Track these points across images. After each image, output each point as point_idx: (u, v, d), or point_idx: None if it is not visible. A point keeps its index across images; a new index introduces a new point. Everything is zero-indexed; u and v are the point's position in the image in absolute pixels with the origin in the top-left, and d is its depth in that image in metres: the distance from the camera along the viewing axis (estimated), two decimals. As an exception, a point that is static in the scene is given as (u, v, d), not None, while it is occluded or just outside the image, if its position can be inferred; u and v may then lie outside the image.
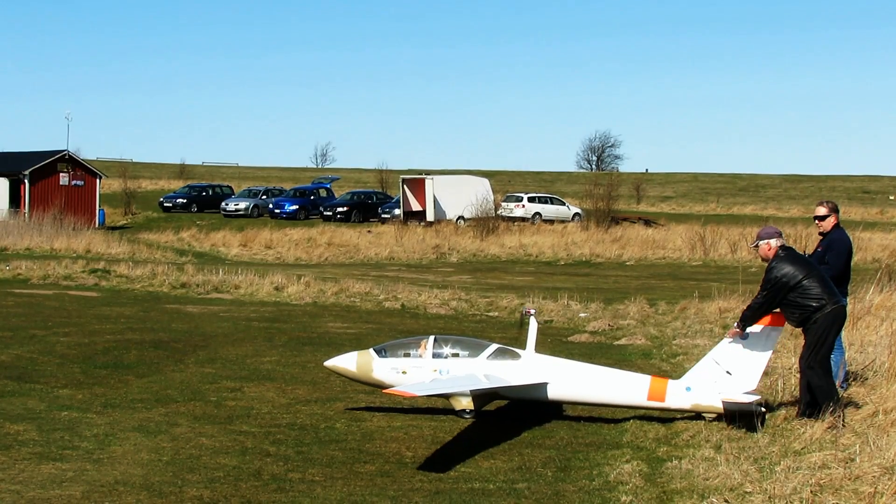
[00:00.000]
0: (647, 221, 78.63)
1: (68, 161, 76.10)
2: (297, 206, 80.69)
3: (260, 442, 14.66)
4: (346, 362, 16.50)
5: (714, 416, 15.24)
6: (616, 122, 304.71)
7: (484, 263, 55.51)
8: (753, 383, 14.99)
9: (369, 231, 69.45)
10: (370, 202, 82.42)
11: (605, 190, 77.02)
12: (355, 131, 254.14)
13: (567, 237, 65.87)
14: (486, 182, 77.73)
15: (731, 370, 15.02)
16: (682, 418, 15.76)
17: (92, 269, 39.46)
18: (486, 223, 68.09)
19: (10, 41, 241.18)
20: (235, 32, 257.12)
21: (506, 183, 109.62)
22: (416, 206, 77.14)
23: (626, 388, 15.54)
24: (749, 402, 14.80)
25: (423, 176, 79.97)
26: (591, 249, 59.98)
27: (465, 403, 15.66)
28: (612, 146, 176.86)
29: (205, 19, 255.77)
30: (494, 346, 16.22)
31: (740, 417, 14.87)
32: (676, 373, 20.74)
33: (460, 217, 74.01)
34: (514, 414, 16.68)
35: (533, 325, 16.28)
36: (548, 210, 79.69)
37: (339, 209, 79.56)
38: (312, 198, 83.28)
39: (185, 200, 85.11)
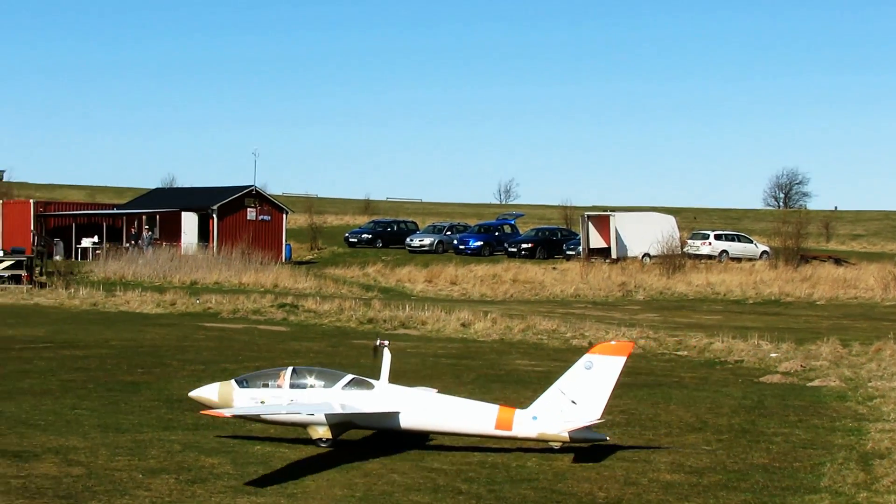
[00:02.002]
0: (838, 260, 76.84)
1: (255, 196, 77.57)
2: (482, 243, 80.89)
3: (452, 479, 14.63)
4: (209, 392, 16.67)
5: (560, 445, 15.57)
6: (804, 158, 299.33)
7: (671, 301, 54.85)
8: (598, 413, 15.30)
9: (554, 268, 69.27)
10: (554, 239, 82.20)
11: (793, 228, 75.57)
12: (538, 167, 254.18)
13: (755, 276, 64.71)
14: (671, 219, 76.91)
15: (576, 400, 15.32)
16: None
17: (280, 304, 40.07)
18: (672, 261, 67.31)
19: (199, 80, 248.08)
20: (417, 69, 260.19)
21: (691, 220, 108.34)
22: (600, 243, 76.72)
23: (474, 418, 15.80)
24: (591, 428, 15.34)
25: (608, 213, 79.56)
26: (781, 288, 58.78)
27: (322, 432, 15.97)
28: (799, 183, 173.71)
29: (387, 56, 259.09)
30: (349, 377, 16.45)
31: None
32: (873, 416, 20.22)
33: (645, 254, 73.37)
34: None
35: (386, 357, 16.58)
36: (735, 248, 78.51)
37: (524, 245, 79.53)
38: (497, 234, 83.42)
39: (370, 236, 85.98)
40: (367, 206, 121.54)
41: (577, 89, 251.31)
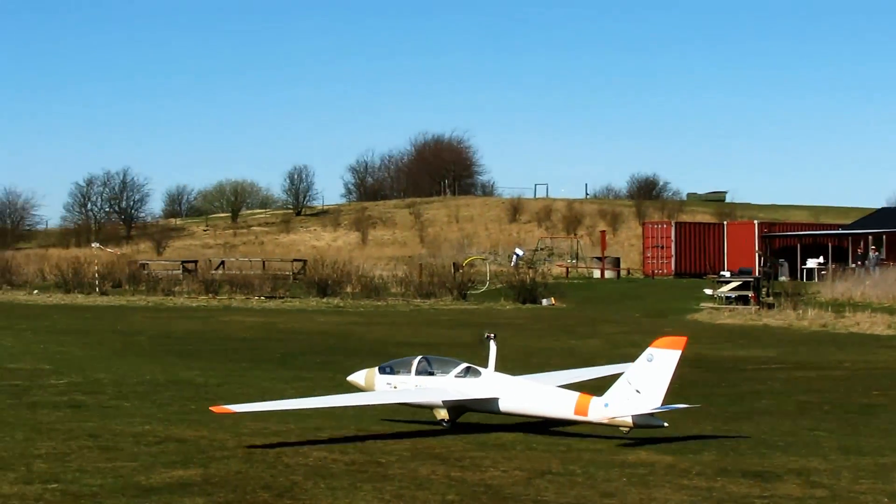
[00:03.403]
0: None
1: None
2: None
3: None
4: (359, 377, 18.69)
5: (627, 429, 16.60)
6: None
7: None
8: (658, 400, 16.31)
9: None
10: None
11: None
12: None
13: None
14: None
15: (639, 389, 16.38)
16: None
17: None
18: None
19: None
20: None
21: None
22: None
23: (557, 403, 17.17)
24: (652, 416, 16.42)
25: None
26: None
27: (443, 415, 17.80)
28: None
29: None
30: (464, 366, 18.01)
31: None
32: None
33: None
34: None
35: (493, 348, 18.22)
36: None
37: None
38: None
39: None
40: None
41: None
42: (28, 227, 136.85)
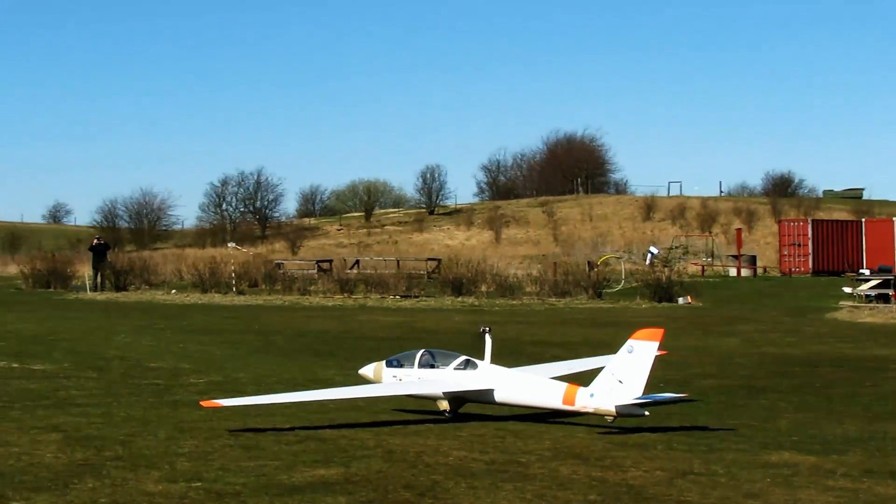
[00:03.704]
0: None
1: None
2: None
3: None
4: (368, 370, 19.34)
5: (611, 417, 17.16)
6: None
7: None
8: (639, 390, 16.87)
9: None
10: None
11: None
12: None
13: None
14: None
15: (622, 380, 16.93)
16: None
17: None
18: None
19: None
20: None
21: None
22: None
23: (547, 394, 17.72)
24: (635, 406, 16.86)
25: None
26: None
27: (444, 405, 18.41)
28: None
29: None
30: (462, 359, 18.69)
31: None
32: None
33: None
34: None
35: (488, 341, 18.85)
36: None
37: None
38: None
39: None
40: None
41: None
42: (164, 228, 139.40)
